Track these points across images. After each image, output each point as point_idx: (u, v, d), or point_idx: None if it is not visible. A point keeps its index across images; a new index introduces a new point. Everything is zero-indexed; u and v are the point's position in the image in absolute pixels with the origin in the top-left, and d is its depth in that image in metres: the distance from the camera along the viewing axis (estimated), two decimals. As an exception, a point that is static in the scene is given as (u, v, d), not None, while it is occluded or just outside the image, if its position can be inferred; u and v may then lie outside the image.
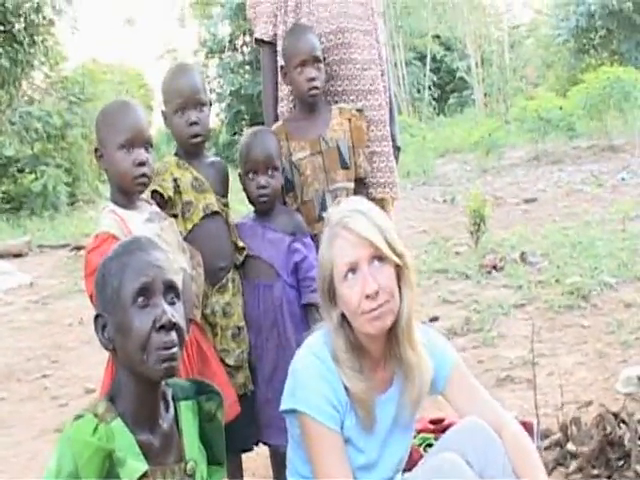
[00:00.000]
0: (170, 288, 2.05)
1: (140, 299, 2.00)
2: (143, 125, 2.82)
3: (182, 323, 2.06)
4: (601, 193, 11.79)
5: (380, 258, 2.34)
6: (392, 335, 2.44)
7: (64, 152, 20.49)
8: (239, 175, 3.37)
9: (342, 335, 2.42)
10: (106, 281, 2.05)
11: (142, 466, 2.01)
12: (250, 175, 3.29)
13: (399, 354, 2.46)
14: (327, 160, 3.46)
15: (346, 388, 2.40)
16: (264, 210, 3.35)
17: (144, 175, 2.79)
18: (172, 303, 2.05)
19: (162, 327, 1.99)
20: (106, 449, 1.93)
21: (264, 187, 3.26)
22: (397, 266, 2.39)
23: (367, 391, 2.41)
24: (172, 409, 2.16)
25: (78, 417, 1.99)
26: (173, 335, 2.01)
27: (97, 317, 2.07)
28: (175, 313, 2.03)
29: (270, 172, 3.27)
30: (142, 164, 2.77)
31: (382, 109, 3.68)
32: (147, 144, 2.82)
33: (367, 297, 2.32)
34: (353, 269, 2.35)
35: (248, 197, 3.36)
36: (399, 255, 2.38)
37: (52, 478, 1.92)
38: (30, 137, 19.32)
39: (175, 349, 2.01)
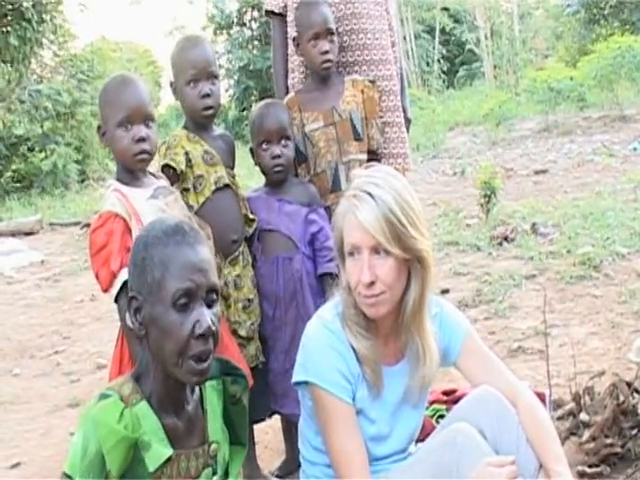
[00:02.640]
0: (212, 291, 2.01)
1: (181, 300, 1.95)
2: (141, 100, 2.78)
3: (219, 327, 2.02)
4: (612, 163, 11.70)
5: (385, 249, 2.29)
6: (400, 319, 2.42)
7: (74, 130, 20.51)
8: (250, 150, 3.37)
9: (352, 296, 2.40)
10: (146, 267, 1.98)
11: (167, 451, 2.00)
12: (264, 146, 3.28)
13: (406, 340, 2.46)
14: (340, 131, 3.45)
15: (358, 360, 2.40)
16: (278, 181, 3.35)
17: (144, 151, 2.77)
18: (211, 304, 2.01)
19: (201, 335, 1.95)
20: (131, 438, 1.92)
21: (278, 156, 3.26)
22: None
23: (371, 349, 2.39)
24: (197, 390, 2.14)
25: (104, 397, 1.97)
26: (210, 344, 1.98)
27: (131, 299, 2.02)
28: (214, 317, 1.99)
29: (283, 142, 3.28)
30: (142, 140, 2.75)
31: (393, 79, 3.67)
32: (147, 119, 2.78)
33: (362, 284, 2.30)
34: (356, 250, 2.33)
35: (262, 169, 3.35)
36: (406, 249, 2.30)
37: (79, 458, 1.90)
38: (40, 115, 19.32)
39: (209, 360, 1.99)
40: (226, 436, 2.23)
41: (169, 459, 2.01)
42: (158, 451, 1.99)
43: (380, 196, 2.29)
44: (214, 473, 2.15)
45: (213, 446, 2.15)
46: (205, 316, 1.96)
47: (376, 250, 2.29)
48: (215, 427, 2.17)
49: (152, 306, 1.97)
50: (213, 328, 1.97)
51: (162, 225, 2.05)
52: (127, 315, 2.09)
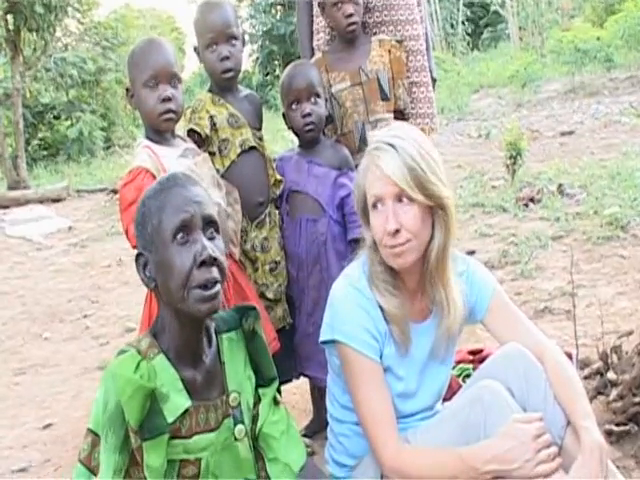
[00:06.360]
0: (209, 223, 2.04)
1: (180, 235, 1.98)
2: (167, 60, 2.81)
3: (222, 258, 2.05)
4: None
5: (409, 197, 2.31)
6: (425, 270, 2.43)
7: (99, 98, 20.69)
8: (283, 115, 3.35)
9: (378, 254, 2.42)
10: (146, 219, 2.04)
11: (185, 402, 2.04)
12: (294, 105, 3.26)
13: (432, 296, 2.47)
14: (367, 91, 3.45)
15: (385, 319, 2.41)
16: (310, 140, 3.32)
17: (170, 111, 2.79)
18: (212, 238, 2.04)
19: (203, 263, 1.98)
20: (147, 387, 1.95)
21: (309, 115, 3.23)
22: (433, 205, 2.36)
23: (400, 307, 2.40)
24: (215, 343, 2.18)
25: (122, 352, 2.01)
26: (214, 271, 2.00)
27: (138, 256, 2.07)
28: (215, 248, 2.02)
29: (313, 100, 3.24)
30: (167, 99, 2.78)
31: (420, 39, 3.64)
32: (173, 79, 2.81)
33: (388, 233, 2.32)
34: (380, 201, 2.34)
35: (294, 131, 3.33)
36: (429, 196, 2.31)
37: (100, 411, 1.95)
38: (65, 83, 19.47)
39: (216, 287, 2.01)
40: (252, 383, 2.26)
41: (187, 411, 2.04)
42: (176, 402, 2.02)
43: (400, 145, 2.32)
44: (236, 423, 2.19)
45: (232, 396, 2.18)
46: (204, 243, 1.99)
47: (399, 198, 2.31)
48: (234, 377, 2.20)
49: (156, 254, 2.02)
50: (214, 255, 1.99)
51: (157, 181, 2.14)
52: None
